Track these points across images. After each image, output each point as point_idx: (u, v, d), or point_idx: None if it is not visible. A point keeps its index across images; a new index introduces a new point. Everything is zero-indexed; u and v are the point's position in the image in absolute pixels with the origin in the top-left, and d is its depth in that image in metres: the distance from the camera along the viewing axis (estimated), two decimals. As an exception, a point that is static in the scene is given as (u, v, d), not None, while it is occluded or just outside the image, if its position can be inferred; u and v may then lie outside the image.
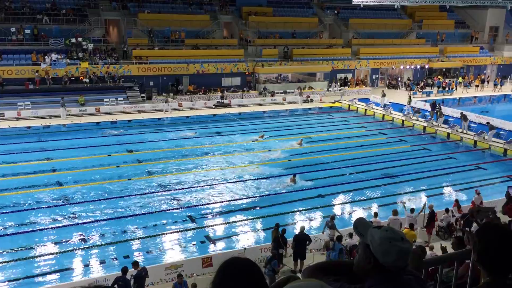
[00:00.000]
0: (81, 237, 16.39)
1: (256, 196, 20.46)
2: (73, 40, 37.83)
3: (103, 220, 17.73)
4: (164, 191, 20.71)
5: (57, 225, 17.24)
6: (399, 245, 2.15)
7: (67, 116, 32.76)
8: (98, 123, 32.15)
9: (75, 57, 37.10)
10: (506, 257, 2.32)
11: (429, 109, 34.88)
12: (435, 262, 2.54)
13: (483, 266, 2.39)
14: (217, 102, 38.27)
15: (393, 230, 2.23)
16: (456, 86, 46.86)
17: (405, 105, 36.48)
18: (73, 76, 36.34)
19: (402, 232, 2.23)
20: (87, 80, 36.27)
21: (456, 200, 17.98)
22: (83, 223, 17.44)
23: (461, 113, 31.77)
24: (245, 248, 14.64)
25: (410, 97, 36.19)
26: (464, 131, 30.64)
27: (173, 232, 17.03)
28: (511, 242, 2.33)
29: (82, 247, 15.78)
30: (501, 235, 2.35)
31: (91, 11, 41.01)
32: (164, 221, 17.77)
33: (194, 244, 16.21)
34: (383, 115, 36.09)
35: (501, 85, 48.59)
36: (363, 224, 2.29)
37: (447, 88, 45.89)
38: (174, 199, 19.86)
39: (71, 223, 17.41)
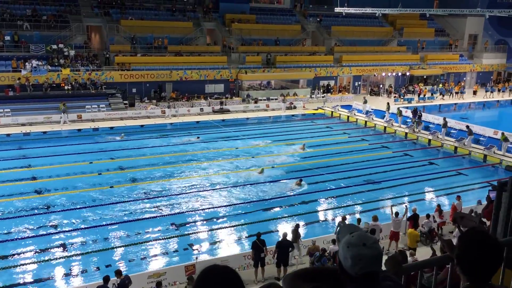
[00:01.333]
0: (62, 245, 16.15)
1: (239, 203, 20.41)
2: (54, 46, 37.44)
3: (85, 228, 17.50)
4: (147, 198, 20.55)
5: (38, 233, 16.95)
6: (356, 250, 2.13)
7: (69, 121, 33.04)
8: (79, 130, 31.83)
9: (56, 64, 36.72)
10: (484, 262, 2.35)
11: (411, 115, 35.33)
12: (415, 268, 2.56)
13: (463, 271, 2.42)
14: (219, 108, 39.16)
15: (362, 236, 2.20)
16: (426, 93, 47.24)
17: (385, 112, 36.71)
18: (54, 83, 35.94)
19: (374, 238, 2.20)
20: (69, 87, 35.89)
21: (438, 205, 18.20)
22: (64, 231, 17.19)
23: (444, 118, 32.21)
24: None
25: (388, 104, 36.59)
26: (443, 137, 31.05)
27: (156, 240, 16.88)
28: (490, 247, 2.36)
29: (63, 256, 15.53)
30: (481, 240, 2.38)
31: (73, 17, 40.67)
32: (147, 229, 17.61)
33: (177, 252, 16.09)
34: (366, 121, 36.43)
35: (491, 91, 49.61)
36: (345, 230, 2.29)
37: (422, 95, 46.35)
38: (157, 207, 19.71)
39: (52, 232, 17.14)
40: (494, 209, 3.63)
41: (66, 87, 35.83)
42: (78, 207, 19.29)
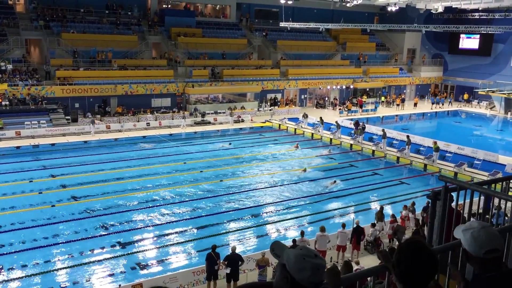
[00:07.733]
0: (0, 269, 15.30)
1: (185, 219, 20.15)
2: (-10, 60, 35.83)
3: (25, 250, 16.65)
4: (91, 216, 19.87)
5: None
6: (313, 261, 2.24)
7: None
8: (18, 147, 30.46)
9: (-7, 78, 35.10)
10: (419, 271, 2.42)
11: (354, 127, 36.28)
12: (353, 278, 2.61)
13: (398, 279, 2.49)
14: (200, 120, 40.07)
15: (308, 248, 2.31)
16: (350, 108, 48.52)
17: (333, 124, 37.35)
18: (-10, 98, 34.32)
19: (316, 251, 2.32)
20: (6, 103, 34.34)
21: (393, 215, 18.53)
22: (1, 254, 16.29)
23: (383, 130, 33.37)
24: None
25: (337, 122, 37.37)
26: (384, 148, 32.08)
27: (101, 260, 16.31)
28: (424, 257, 2.43)
29: (1, 280, 14.70)
30: (416, 250, 2.46)
31: (10, 30, 39.09)
32: (92, 248, 17.01)
33: (123, 271, 15.62)
34: (312, 133, 37.09)
35: (442, 103, 53.19)
36: (279, 246, 2.36)
37: (347, 109, 47.73)
38: (102, 225, 19.10)
39: (-12, 256, 16.22)
40: (429, 218, 3.76)
41: (3, 103, 34.25)
42: (16, 228, 18.36)
